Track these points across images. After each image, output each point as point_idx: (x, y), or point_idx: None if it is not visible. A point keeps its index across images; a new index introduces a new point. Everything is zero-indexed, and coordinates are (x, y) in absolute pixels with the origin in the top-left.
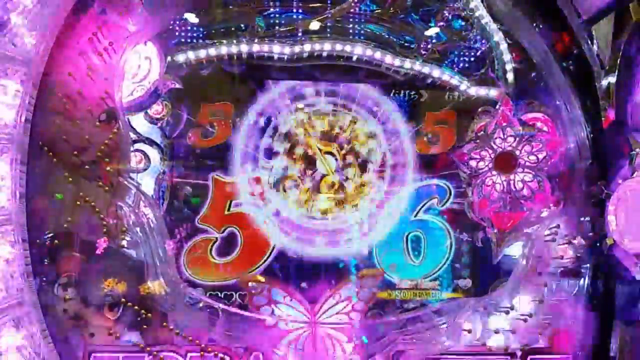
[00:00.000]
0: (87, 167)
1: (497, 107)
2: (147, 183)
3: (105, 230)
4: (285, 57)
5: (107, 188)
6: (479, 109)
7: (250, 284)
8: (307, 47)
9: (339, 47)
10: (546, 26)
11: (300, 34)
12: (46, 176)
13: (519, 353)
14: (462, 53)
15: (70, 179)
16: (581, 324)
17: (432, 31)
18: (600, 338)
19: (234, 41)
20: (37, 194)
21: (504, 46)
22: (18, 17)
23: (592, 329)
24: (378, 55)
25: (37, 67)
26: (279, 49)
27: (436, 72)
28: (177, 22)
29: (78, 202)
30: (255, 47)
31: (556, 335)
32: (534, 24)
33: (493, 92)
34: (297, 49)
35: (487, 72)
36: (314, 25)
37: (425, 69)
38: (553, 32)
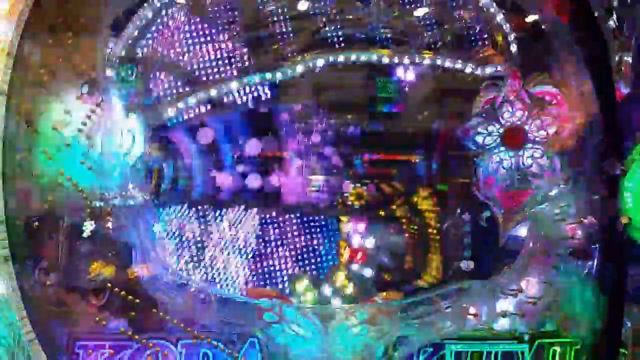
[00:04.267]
0: (68, 142)
1: (505, 80)
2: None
3: (89, 211)
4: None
5: (90, 166)
6: (485, 83)
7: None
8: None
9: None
10: None
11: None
12: (24, 152)
13: (526, 337)
14: (460, 34)
15: (51, 156)
16: (591, 307)
17: (422, 11)
18: (611, 322)
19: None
20: (15, 172)
21: (500, 17)
22: None
23: (602, 312)
24: (374, 58)
25: (12, 35)
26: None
27: (438, 60)
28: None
29: (60, 181)
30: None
31: (565, 318)
32: None
33: (500, 68)
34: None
35: (488, 49)
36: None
37: (426, 61)
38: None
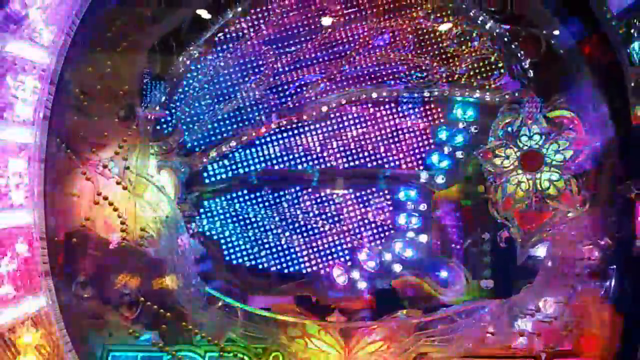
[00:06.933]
0: (105, 164)
1: (523, 104)
2: (165, 179)
3: (123, 227)
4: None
5: (125, 185)
6: (503, 106)
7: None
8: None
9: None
10: (575, 24)
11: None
12: (64, 174)
13: (543, 355)
14: (476, 65)
15: (89, 177)
16: (607, 326)
17: (445, 26)
18: (627, 341)
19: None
20: (54, 191)
21: (514, 44)
22: (36, 12)
23: (618, 331)
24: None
25: (54, 63)
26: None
27: (457, 93)
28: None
29: (96, 200)
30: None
31: (582, 337)
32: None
33: (518, 93)
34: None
35: (505, 76)
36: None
37: (446, 92)
38: (582, 30)
